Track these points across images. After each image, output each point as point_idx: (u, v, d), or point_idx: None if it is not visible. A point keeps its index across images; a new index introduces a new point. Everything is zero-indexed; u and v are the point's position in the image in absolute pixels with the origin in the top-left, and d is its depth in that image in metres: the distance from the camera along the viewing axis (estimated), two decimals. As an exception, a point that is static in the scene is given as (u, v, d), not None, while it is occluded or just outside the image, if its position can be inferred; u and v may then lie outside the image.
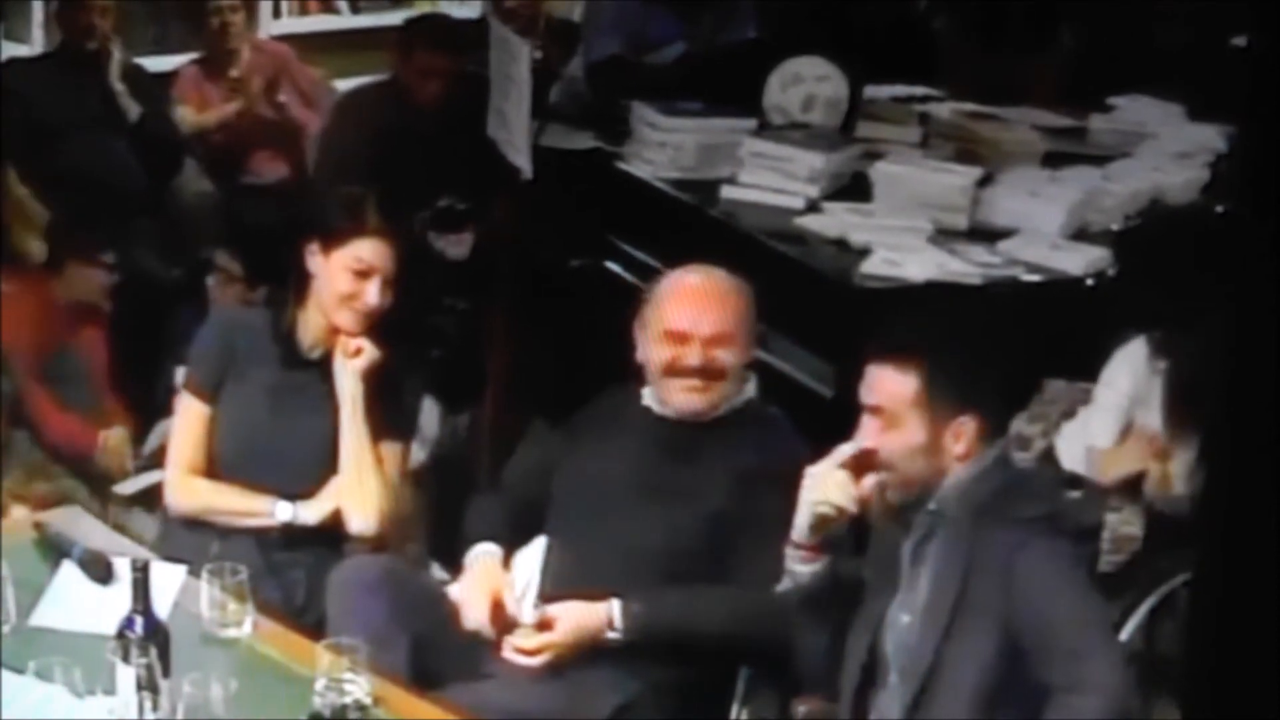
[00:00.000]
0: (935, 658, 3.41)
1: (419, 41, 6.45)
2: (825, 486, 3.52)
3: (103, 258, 5.57)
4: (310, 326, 4.20)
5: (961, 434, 3.46)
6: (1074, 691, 3.31)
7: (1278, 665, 2.17)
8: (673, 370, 3.98)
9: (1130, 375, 4.90)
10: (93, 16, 6.25)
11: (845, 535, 3.63)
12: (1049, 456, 5.03)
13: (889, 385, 3.48)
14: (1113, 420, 4.92)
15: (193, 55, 6.80)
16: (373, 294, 4.11)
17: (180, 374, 4.43)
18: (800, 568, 3.58)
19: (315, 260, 4.15)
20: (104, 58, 6.26)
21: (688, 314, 3.99)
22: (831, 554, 3.57)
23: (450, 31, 6.59)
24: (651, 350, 4.01)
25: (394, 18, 7.34)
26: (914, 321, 3.84)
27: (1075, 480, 4.92)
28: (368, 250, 4.10)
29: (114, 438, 5.43)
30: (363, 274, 4.11)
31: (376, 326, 4.15)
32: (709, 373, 3.97)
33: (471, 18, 6.95)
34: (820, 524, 3.53)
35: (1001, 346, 3.60)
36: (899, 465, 3.48)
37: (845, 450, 3.53)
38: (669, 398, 4.00)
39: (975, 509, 3.44)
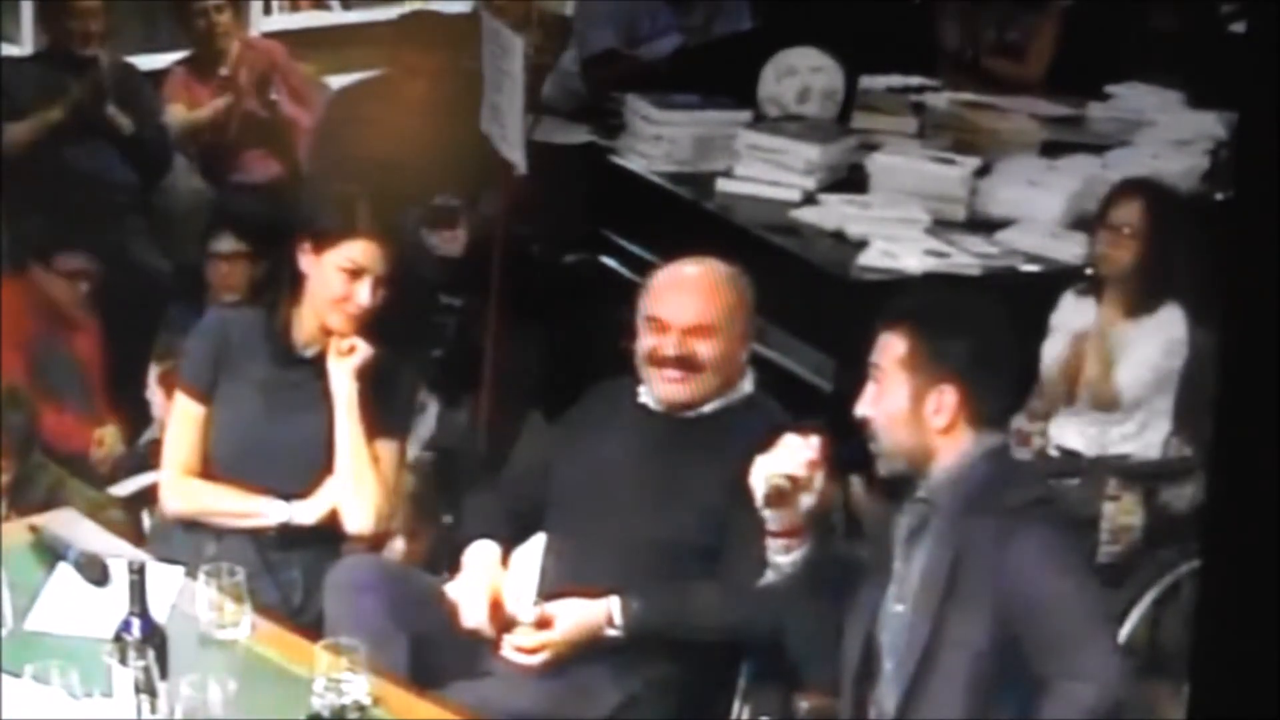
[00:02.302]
0: (928, 647, 3.39)
1: (411, 38, 6.43)
2: (775, 457, 3.53)
3: (72, 266, 5.51)
4: (304, 324, 4.17)
5: (941, 406, 3.44)
6: (1069, 680, 3.30)
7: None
8: (653, 359, 3.96)
9: (1063, 312, 5.07)
10: (73, 21, 6.20)
11: (824, 522, 3.61)
12: (1045, 450, 5.03)
13: (887, 345, 3.50)
14: (1059, 340, 5.00)
15: (182, 54, 6.76)
16: (364, 295, 4.09)
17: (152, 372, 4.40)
18: (780, 559, 3.55)
19: (306, 259, 4.13)
20: (94, 62, 6.22)
21: (670, 303, 3.98)
22: (810, 541, 3.54)
23: (443, 28, 6.56)
24: (639, 339, 4.00)
25: (386, 13, 7.33)
26: (916, 293, 3.85)
27: (1071, 470, 4.92)
28: (359, 251, 4.08)
29: (107, 436, 5.41)
30: (354, 274, 4.09)
31: (371, 324, 4.13)
32: (687, 363, 3.94)
33: (464, 12, 6.92)
34: (777, 497, 3.51)
35: (991, 328, 3.57)
36: (884, 433, 3.48)
37: (793, 440, 3.53)
38: (653, 388, 3.99)
39: (966, 497, 3.42)
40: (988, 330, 3.56)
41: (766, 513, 3.56)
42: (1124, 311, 4.98)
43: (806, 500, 3.53)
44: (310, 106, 6.75)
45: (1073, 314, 5.05)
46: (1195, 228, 4.88)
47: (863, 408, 3.51)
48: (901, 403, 3.46)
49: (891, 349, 3.48)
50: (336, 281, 4.09)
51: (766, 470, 3.53)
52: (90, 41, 6.22)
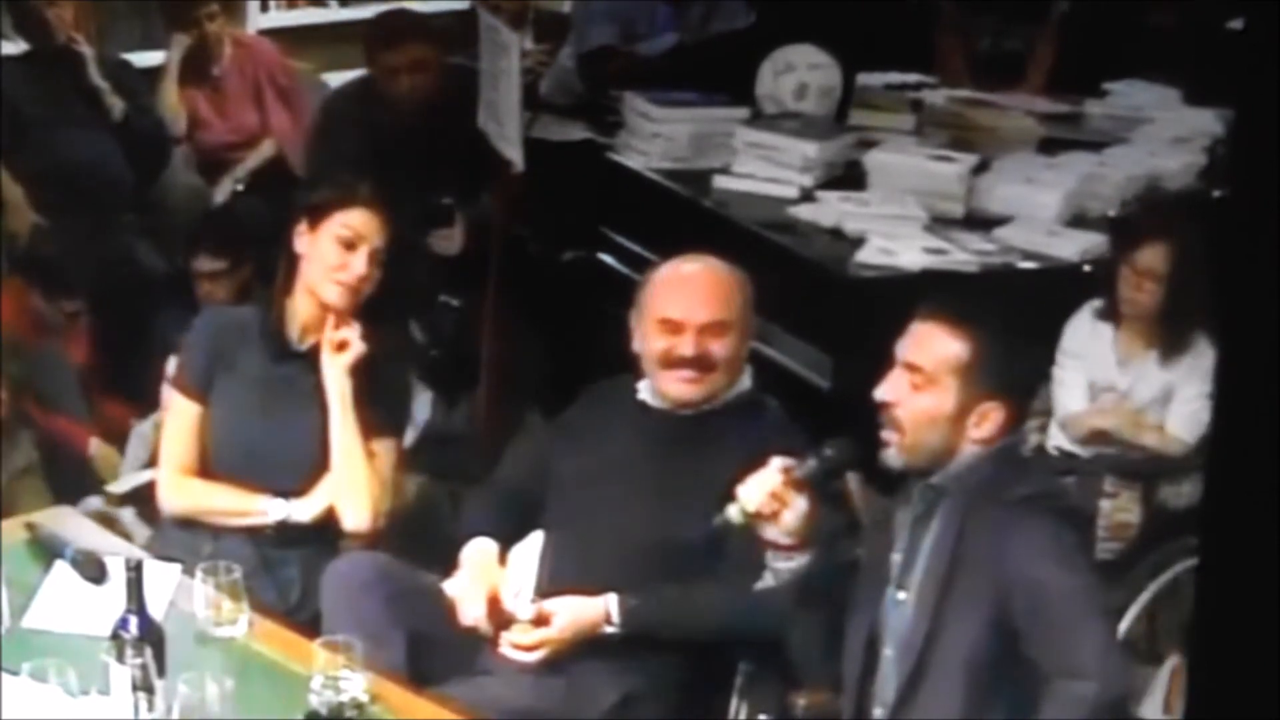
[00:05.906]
0: (929, 635, 3.39)
1: (384, 37, 6.33)
2: (744, 489, 3.46)
3: (65, 304, 5.49)
4: (298, 314, 4.16)
5: (986, 418, 3.41)
6: (1068, 675, 3.29)
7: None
8: (667, 360, 3.95)
9: (1077, 338, 4.98)
10: (47, 11, 6.20)
11: (831, 532, 3.58)
12: (1042, 447, 5.03)
13: (936, 345, 3.42)
14: (1079, 383, 4.95)
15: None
16: (359, 264, 4.09)
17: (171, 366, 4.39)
18: (779, 565, 3.51)
19: (303, 240, 4.13)
20: (79, 56, 6.22)
21: (682, 302, 3.96)
22: (813, 550, 3.49)
23: (416, 25, 6.45)
24: (646, 340, 3.99)
25: (381, 11, 7.30)
26: (970, 292, 3.76)
27: (1069, 467, 4.92)
28: (357, 218, 4.09)
29: (102, 445, 5.40)
30: (350, 245, 4.09)
31: (367, 320, 4.13)
32: (703, 363, 3.93)
33: (459, 9, 6.90)
34: (750, 521, 3.47)
35: (1032, 337, 3.54)
36: (913, 429, 3.41)
37: (765, 472, 3.47)
38: (663, 388, 3.98)
39: (973, 487, 3.41)
40: (1040, 349, 3.53)
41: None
42: (1148, 345, 4.93)
43: (787, 519, 3.45)
44: (302, 105, 6.74)
45: (1089, 341, 4.97)
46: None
47: (886, 393, 3.43)
48: (945, 408, 3.40)
49: (942, 348, 3.40)
50: (332, 252, 4.09)
51: (737, 498, 3.47)
52: (67, 26, 6.21)
